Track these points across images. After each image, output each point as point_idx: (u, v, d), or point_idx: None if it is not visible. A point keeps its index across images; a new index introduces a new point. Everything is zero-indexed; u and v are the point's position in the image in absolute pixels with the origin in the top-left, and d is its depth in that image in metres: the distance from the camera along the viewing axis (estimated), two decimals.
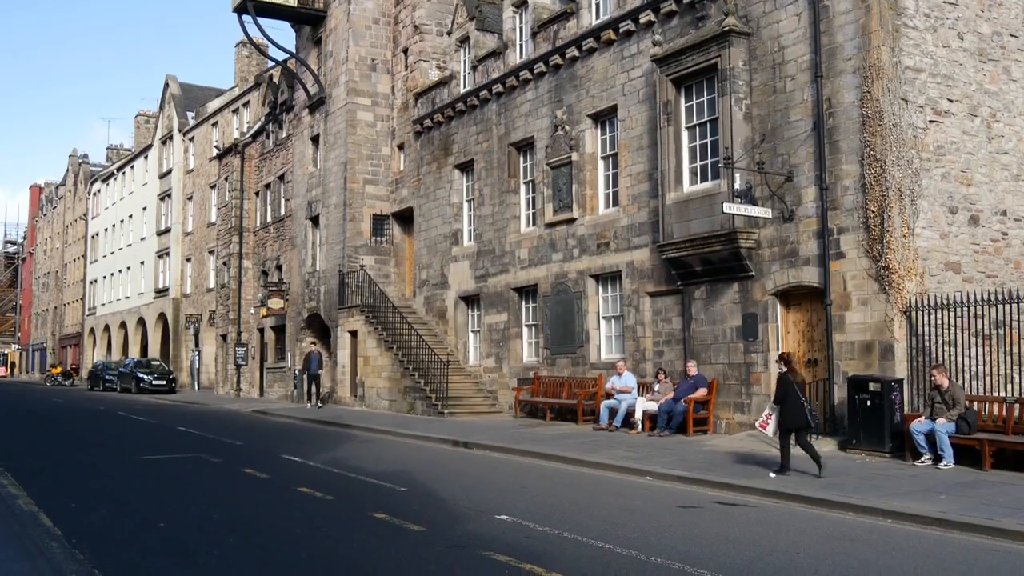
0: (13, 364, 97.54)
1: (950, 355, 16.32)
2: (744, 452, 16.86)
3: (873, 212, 16.79)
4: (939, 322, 16.36)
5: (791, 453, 14.34)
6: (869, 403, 16.02)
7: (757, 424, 16.11)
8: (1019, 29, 18.96)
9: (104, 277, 71.12)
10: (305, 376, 33.21)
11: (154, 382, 48.43)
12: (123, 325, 66.49)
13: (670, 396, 20.18)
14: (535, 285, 26.14)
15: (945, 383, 15.26)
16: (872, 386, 16.05)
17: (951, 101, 17.81)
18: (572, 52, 24.66)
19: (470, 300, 29.66)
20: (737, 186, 18.62)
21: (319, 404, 31.51)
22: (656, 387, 21.02)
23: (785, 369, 14.58)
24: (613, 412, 21.31)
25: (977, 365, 16.42)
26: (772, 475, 14.05)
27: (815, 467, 13.82)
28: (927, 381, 15.87)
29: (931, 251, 17.13)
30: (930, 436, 14.99)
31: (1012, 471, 14.21)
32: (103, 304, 70.90)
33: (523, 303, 27.10)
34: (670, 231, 20.51)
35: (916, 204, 16.98)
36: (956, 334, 16.27)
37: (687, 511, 11.89)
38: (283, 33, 59.72)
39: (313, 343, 33.77)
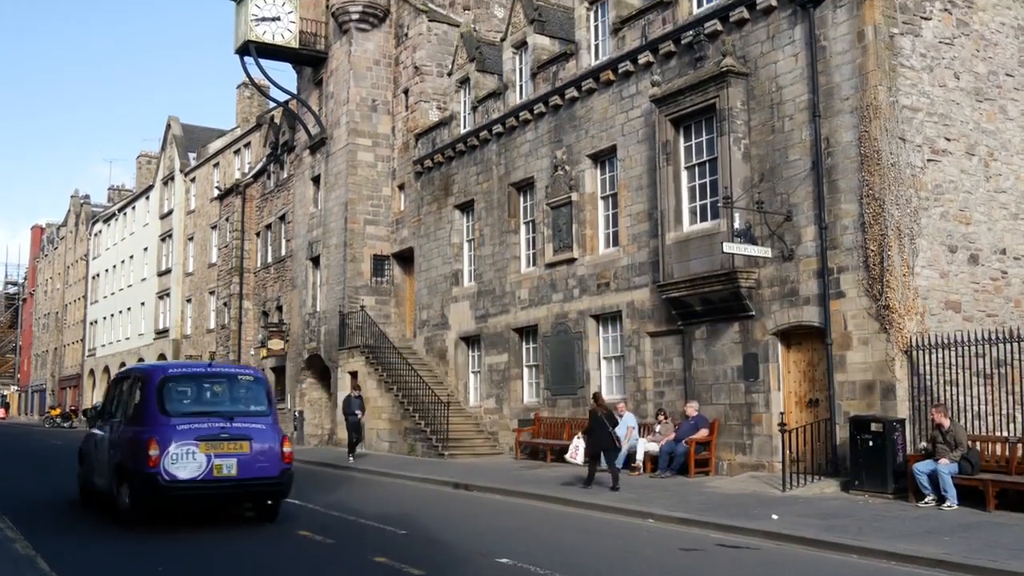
0: (8, 405, 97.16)
1: (952, 394, 16.24)
2: (746, 493, 16.75)
3: (873, 251, 16.80)
4: (940, 361, 16.30)
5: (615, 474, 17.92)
6: (871, 443, 15.93)
7: (567, 456, 20.80)
8: (1015, 68, 19.08)
9: (104, 318, 71.09)
10: (345, 423, 28.01)
11: None
12: (123, 366, 66.34)
13: (671, 437, 20.07)
14: (535, 325, 26.10)
15: (947, 423, 15.19)
16: (874, 426, 15.97)
17: (948, 140, 17.89)
18: (571, 93, 24.81)
19: (470, 341, 29.60)
20: (737, 226, 18.65)
21: (351, 457, 26.27)
22: (657, 428, 20.91)
23: (594, 404, 18.78)
24: None
25: (979, 404, 16.34)
26: (581, 487, 17.72)
27: (638, 482, 15.84)
28: (929, 421, 15.79)
29: (931, 290, 17.11)
30: (933, 477, 14.89)
31: (1016, 512, 14.10)
32: (103, 345, 70.81)
33: (523, 343, 27.05)
34: (670, 271, 20.52)
35: (915, 243, 16.99)
36: (957, 373, 16.21)
37: (689, 554, 11.78)
38: (285, 74, 60.34)
39: (356, 387, 29.04)
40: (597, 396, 19.40)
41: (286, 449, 13.71)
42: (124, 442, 13.62)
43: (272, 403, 14.45)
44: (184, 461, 12.83)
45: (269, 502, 13.94)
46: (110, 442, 14.32)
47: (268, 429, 13.73)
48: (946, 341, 16.26)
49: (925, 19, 17.86)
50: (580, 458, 19.63)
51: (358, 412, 27.60)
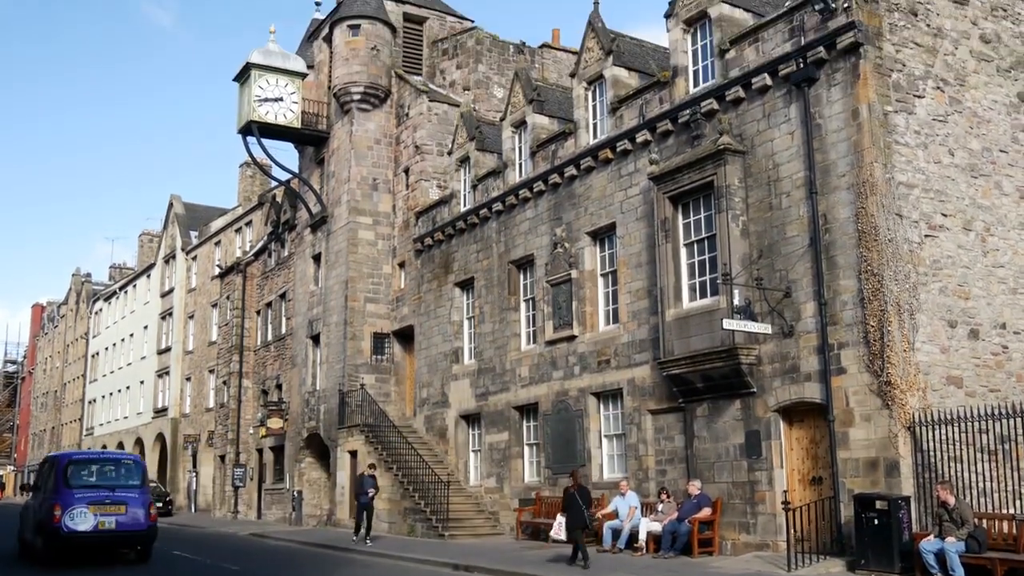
0: (4, 485, 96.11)
1: (956, 471, 16.09)
2: (750, 574, 16.48)
3: (872, 327, 16.79)
4: (944, 438, 16.17)
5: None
6: (876, 522, 15.72)
7: (552, 533, 21.74)
8: (1008, 145, 19.28)
9: (103, 397, 70.77)
10: (357, 504, 26.92)
11: None
12: (120, 445, 65.81)
13: (674, 516, 19.80)
14: (536, 403, 25.96)
15: (952, 501, 15.01)
16: (879, 504, 15.77)
17: (945, 216, 17.99)
18: (570, 171, 25.03)
19: (471, 419, 29.42)
20: (736, 302, 18.67)
21: (368, 541, 25.04)
22: (659, 507, 20.66)
23: (569, 481, 19.81)
24: (616, 533, 20.89)
25: (984, 481, 16.17)
26: (566, 564, 18.05)
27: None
28: (935, 498, 15.60)
29: (932, 365, 17.05)
30: (940, 555, 14.67)
31: None
32: (101, 424, 70.38)
33: (524, 422, 26.87)
34: (670, 348, 20.47)
35: (915, 318, 16.98)
36: (961, 450, 16.06)
37: None
38: (287, 153, 60.97)
39: (371, 465, 27.89)
40: (574, 473, 20.70)
41: (152, 511, 19.35)
42: (41, 506, 19.09)
43: (145, 480, 20.16)
44: (79, 519, 18.18)
45: (139, 547, 19.62)
46: (34, 507, 19.89)
47: (139, 497, 19.25)
48: (949, 417, 16.15)
49: (918, 97, 18.10)
50: (563, 535, 20.45)
51: (371, 491, 26.15)
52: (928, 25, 18.60)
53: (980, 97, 19.08)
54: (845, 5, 17.75)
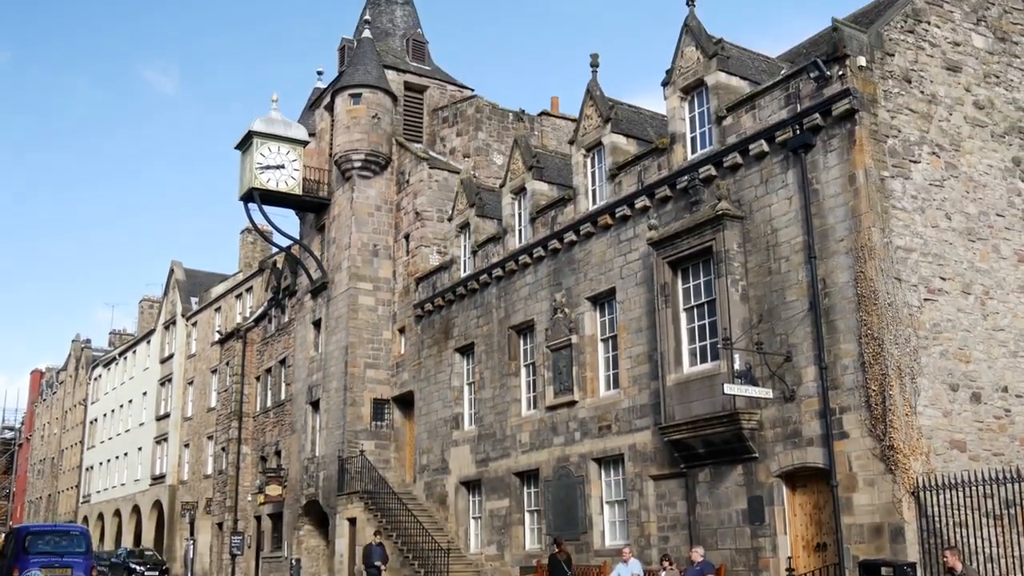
0: None
1: (962, 536, 15.94)
2: None
3: (874, 391, 16.76)
4: (948, 502, 16.05)
5: None
6: None
7: None
8: (1005, 209, 19.43)
9: (100, 463, 70.26)
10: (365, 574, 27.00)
11: (146, 573, 46.99)
12: (117, 513, 65.25)
13: None
14: (537, 469, 25.79)
15: (959, 567, 14.82)
16: (884, 571, 15.56)
17: (944, 279, 18.07)
18: (570, 237, 25.17)
19: (471, 485, 29.20)
20: (737, 367, 18.66)
21: None
22: (662, 574, 20.37)
23: (555, 548, 20.87)
24: None
25: (990, 547, 16.02)
26: None
27: None
28: (941, 564, 15.43)
29: (935, 429, 16.99)
30: None
31: None
32: (98, 491, 69.78)
33: (525, 488, 26.66)
34: (671, 413, 20.41)
35: (916, 382, 16.96)
36: (966, 514, 15.93)
37: None
38: (287, 220, 61.27)
39: (376, 533, 27.77)
40: (558, 540, 21.49)
41: (93, 574, 23.40)
42: (6, 570, 22.69)
43: (89, 548, 24.25)
44: None
45: None
46: (3, 570, 23.04)
47: (83, 562, 23.19)
48: (953, 482, 16.04)
49: (914, 162, 18.28)
50: None
51: (379, 564, 25.88)
52: (922, 92, 18.86)
53: (975, 162, 19.28)
54: (840, 73, 18.02)
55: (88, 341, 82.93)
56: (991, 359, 18.26)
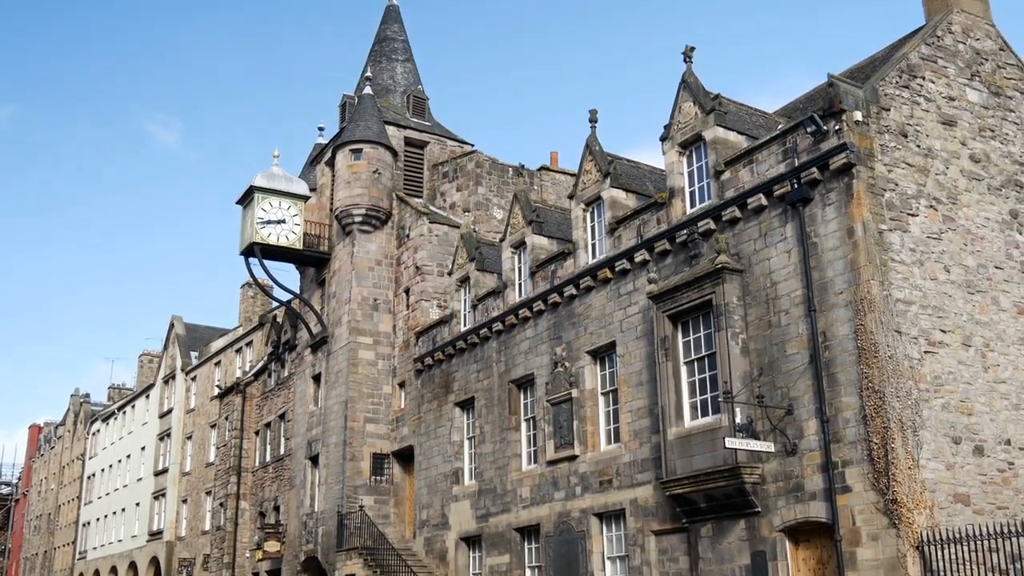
0: None
1: None
2: None
3: (876, 444, 16.69)
4: (953, 557, 15.90)
5: None
6: None
7: None
8: (1003, 261, 19.50)
9: (97, 519, 69.67)
10: None
11: None
12: (114, 570, 64.53)
13: None
14: (537, 525, 25.58)
15: None
16: None
17: (944, 332, 18.08)
18: (570, 291, 25.22)
19: (471, 541, 28.94)
20: (738, 420, 18.60)
21: None
22: None
23: None
24: None
25: None
26: None
27: None
28: None
29: (938, 483, 16.89)
30: None
31: None
32: (94, 548, 69.09)
33: (525, 543, 26.42)
34: (673, 467, 20.29)
35: (919, 435, 16.90)
36: (972, 569, 15.77)
37: None
38: (288, 274, 61.37)
39: None
40: None
41: None
42: None
43: None
44: None
45: None
46: None
47: None
48: (958, 536, 15.91)
49: (912, 215, 18.39)
50: None
51: None
52: (918, 146, 19.03)
53: (973, 215, 19.39)
54: (836, 128, 18.20)
55: (87, 396, 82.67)
56: (993, 412, 18.22)
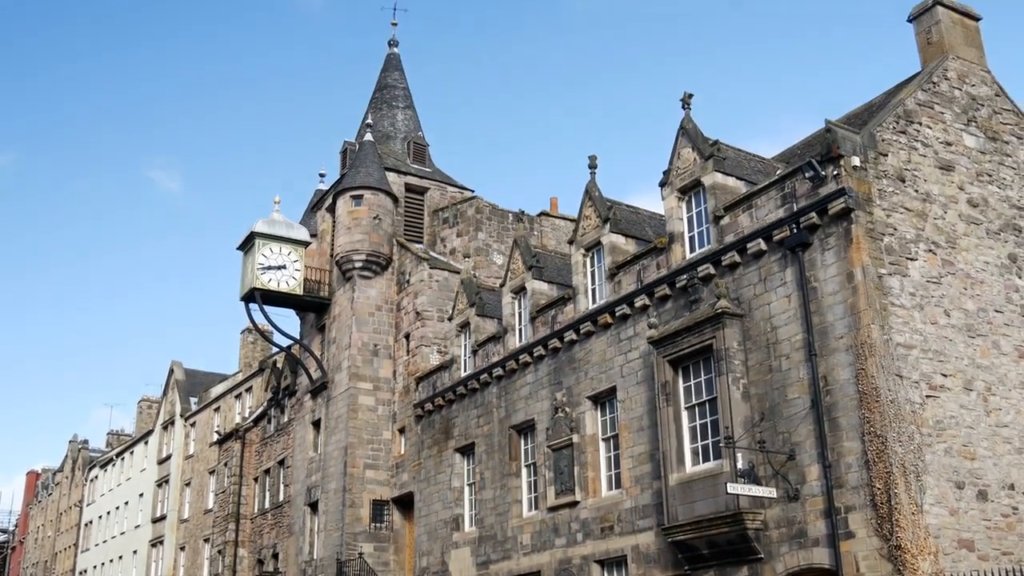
0: None
1: None
2: None
3: (879, 489, 16.60)
4: None
5: None
6: None
7: None
8: (1003, 305, 19.53)
9: (94, 567, 69.02)
10: None
11: None
12: None
13: None
14: (539, 572, 25.32)
15: None
16: None
17: (945, 376, 18.06)
18: (570, 336, 25.21)
19: None
20: (740, 466, 18.52)
21: None
22: None
23: None
24: None
25: None
26: None
27: None
28: None
29: (942, 528, 16.78)
30: None
31: None
32: None
33: None
34: (674, 513, 20.16)
35: (922, 480, 16.81)
36: None
37: None
38: (288, 320, 61.37)
39: None
40: None
41: None
42: None
43: None
44: None
45: None
46: None
47: None
48: None
49: (911, 260, 18.44)
50: None
51: None
52: (916, 191, 19.14)
53: (972, 259, 19.45)
54: (834, 173, 18.30)
55: (85, 442, 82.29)
56: (996, 456, 18.14)
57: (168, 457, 59.41)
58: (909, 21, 22.06)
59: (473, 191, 38.49)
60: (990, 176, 20.58)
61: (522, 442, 27.44)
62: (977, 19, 22.12)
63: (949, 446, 17.55)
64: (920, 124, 19.88)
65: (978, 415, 18.22)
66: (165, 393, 63.00)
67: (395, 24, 43.26)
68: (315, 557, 35.04)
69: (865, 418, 17.04)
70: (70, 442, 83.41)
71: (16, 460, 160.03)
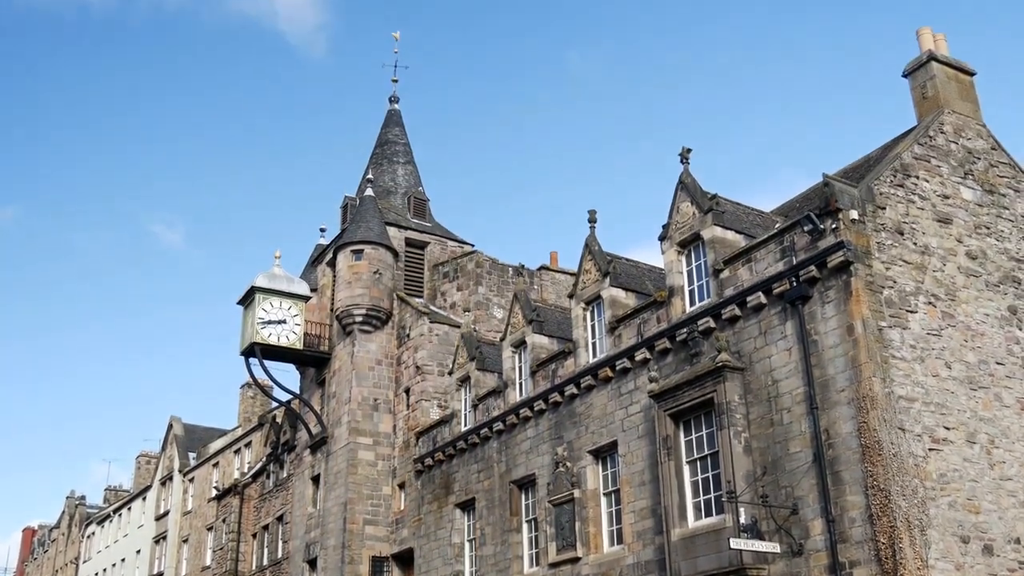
0: None
1: None
2: None
3: (884, 544, 16.44)
4: None
5: None
6: None
7: None
8: (1004, 357, 19.50)
9: None
10: None
11: None
12: None
13: None
14: None
15: None
16: None
17: (948, 429, 17.99)
18: (571, 390, 25.13)
19: None
20: (742, 520, 18.37)
21: None
22: None
23: None
24: None
25: None
26: None
27: None
28: None
29: None
30: None
31: None
32: None
33: None
34: (677, 568, 19.94)
35: (926, 534, 16.67)
36: None
37: None
38: (288, 374, 61.16)
39: None
40: None
41: None
42: None
43: None
44: None
45: None
46: None
47: None
48: None
49: (911, 312, 18.46)
50: None
51: None
52: (915, 243, 19.21)
53: (972, 311, 19.47)
54: (833, 226, 18.38)
55: (83, 498, 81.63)
56: (1001, 509, 18.00)
57: (166, 513, 58.92)
58: (904, 76, 22.32)
59: (473, 245, 38.65)
60: (988, 228, 20.67)
61: (523, 497, 27.24)
62: (971, 74, 22.37)
63: (953, 500, 17.43)
64: (917, 177, 20.02)
65: (982, 468, 18.11)
66: (164, 448, 62.66)
67: (396, 81, 43.86)
68: None
69: (868, 472, 16.94)
70: (67, 498, 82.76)
71: (12, 516, 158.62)
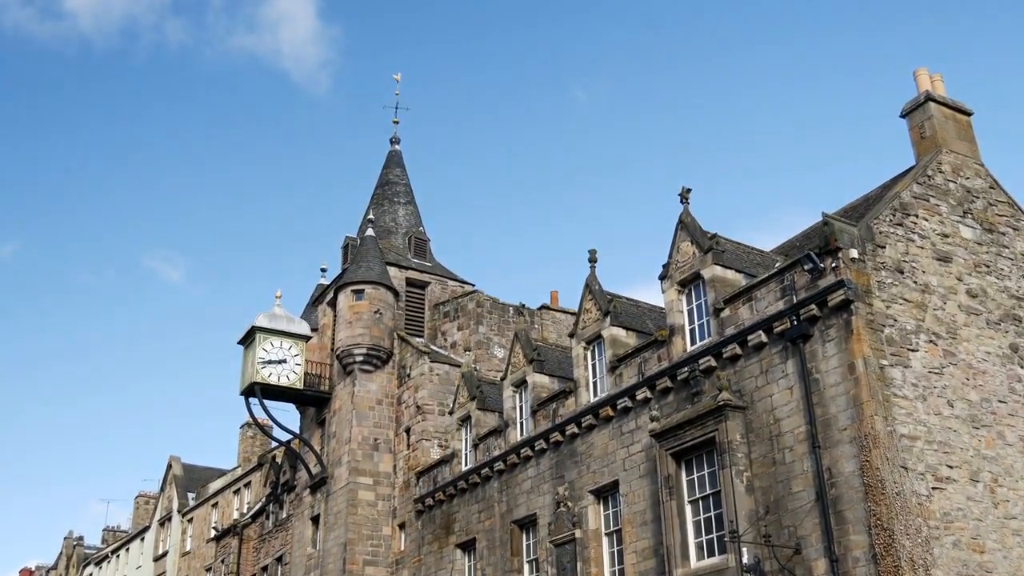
0: None
1: None
2: None
3: None
4: None
5: None
6: None
7: None
8: (1006, 395, 19.48)
9: None
10: None
11: None
12: None
13: None
14: None
15: None
16: None
17: (951, 467, 17.92)
18: (572, 429, 25.07)
19: None
20: (745, 560, 18.26)
21: None
22: None
23: None
24: None
25: None
26: None
27: None
28: None
29: None
30: None
31: None
32: None
33: None
34: None
35: (931, 574, 16.55)
36: None
37: None
38: (288, 414, 60.98)
39: None
40: None
41: None
42: None
43: None
44: None
45: None
46: None
47: None
48: None
49: (912, 351, 18.46)
50: None
51: None
52: (915, 282, 19.25)
53: (973, 349, 19.47)
54: (833, 265, 18.43)
55: (81, 538, 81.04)
56: (1005, 549, 17.89)
57: (164, 554, 58.46)
58: (902, 117, 22.47)
59: (474, 285, 38.72)
60: (988, 267, 20.72)
61: (524, 537, 27.08)
62: (968, 114, 22.53)
63: (957, 539, 17.33)
64: (917, 216, 20.10)
65: (986, 507, 18.02)
66: (162, 488, 62.29)
67: (397, 122, 44.16)
68: None
69: (871, 511, 16.85)
70: (65, 538, 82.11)
71: (9, 556, 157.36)
